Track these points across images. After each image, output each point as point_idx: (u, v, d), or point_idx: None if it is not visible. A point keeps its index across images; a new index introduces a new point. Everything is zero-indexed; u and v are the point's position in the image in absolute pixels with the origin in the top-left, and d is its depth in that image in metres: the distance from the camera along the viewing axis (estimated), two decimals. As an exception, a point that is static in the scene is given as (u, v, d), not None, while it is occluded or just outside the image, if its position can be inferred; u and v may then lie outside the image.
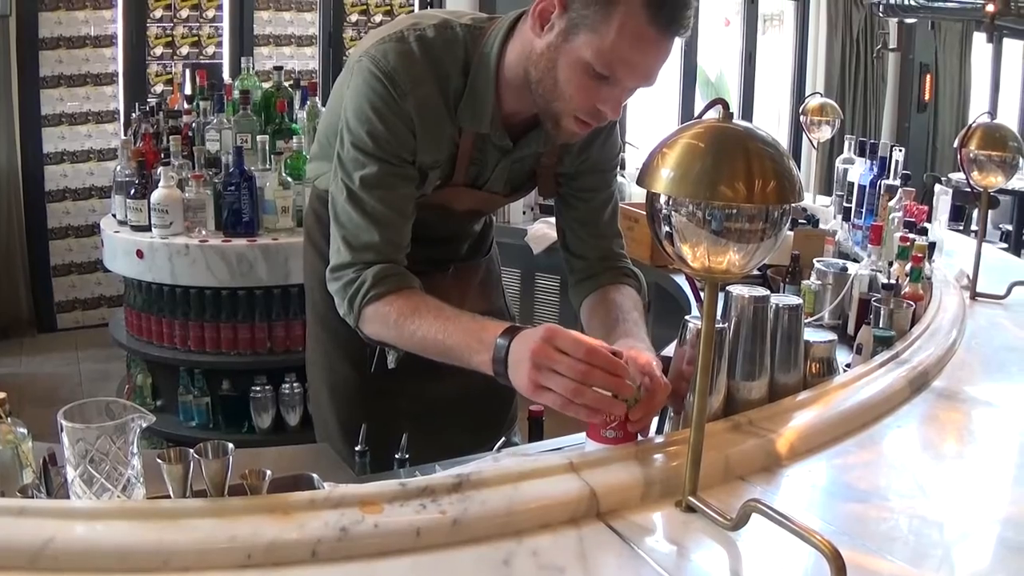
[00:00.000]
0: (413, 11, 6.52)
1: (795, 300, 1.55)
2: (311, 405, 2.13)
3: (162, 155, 3.46)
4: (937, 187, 3.19)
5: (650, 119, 7.20)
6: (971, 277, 2.42)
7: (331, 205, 1.64)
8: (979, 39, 8.74)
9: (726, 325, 1.44)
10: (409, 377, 1.82)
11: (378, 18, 6.41)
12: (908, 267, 2.15)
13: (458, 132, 1.64)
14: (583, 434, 1.39)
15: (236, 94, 3.64)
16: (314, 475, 1.43)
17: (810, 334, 1.61)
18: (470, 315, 1.52)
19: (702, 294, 1.19)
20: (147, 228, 3.40)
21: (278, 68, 3.91)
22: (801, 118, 3.97)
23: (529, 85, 1.54)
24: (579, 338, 1.31)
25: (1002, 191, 5.51)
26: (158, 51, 5.76)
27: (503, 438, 1.71)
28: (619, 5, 1.38)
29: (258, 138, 3.49)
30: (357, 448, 1.73)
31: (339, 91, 1.70)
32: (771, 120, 8.16)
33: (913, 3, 6.38)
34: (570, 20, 1.43)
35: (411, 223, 1.64)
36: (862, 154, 3.27)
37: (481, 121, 1.62)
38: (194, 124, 3.62)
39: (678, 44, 1.49)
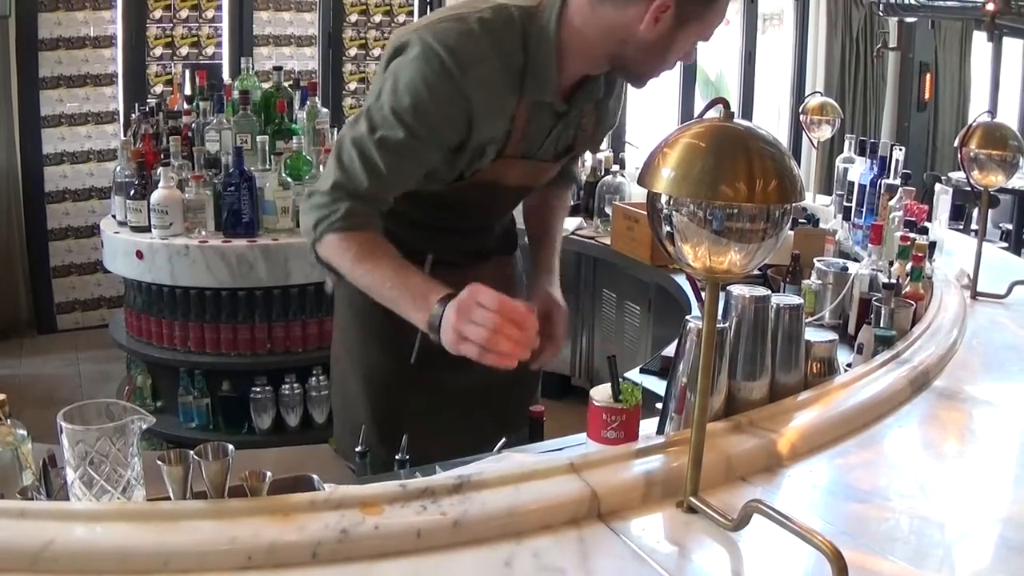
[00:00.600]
0: (412, 11, 6.52)
1: (796, 300, 1.55)
2: (333, 403, 2.18)
3: (162, 156, 3.46)
4: (937, 186, 3.19)
5: (650, 119, 7.19)
6: (972, 276, 2.42)
7: (337, 141, 1.71)
8: (979, 38, 8.72)
9: (727, 325, 1.44)
10: (440, 367, 1.83)
11: (377, 18, 6.40)
12: (909, 266, 2.15)
13: (516, 104, 1.71)
14: (583, 435, 1.39)
15: (236, 94, 3.64)
16: (314, 476, 1.43)
17: (811, 334, 1.61)
18: (422, 275, 1.62)
19: (703, 294, 1.19)
20: (147, 229, 3.40)
21: (278, 68, 3.91)
22: (801, 117, 3.97)
23: (604, 54, 1.69)
24: (495, 294, 1.45)
25: (1002, 190, 5.50)
26: (158, 52, 5.76)
27: (503, 438, 1.71)
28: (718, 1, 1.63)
29: (258, 138, 3.49)
30: (358, 449, 1.73)
31: (384, 75, 1.76)
32: (771, 119, 8.15)
33: (913, 2, 6.37)
34: (680, 15, 1.60)
35: (400, 193, 1.71)
36: (862, 153, 3.28)
37: (546, 91, 1.71)
38: (194, 124, 3.61)
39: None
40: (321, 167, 3.39)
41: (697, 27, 1.63)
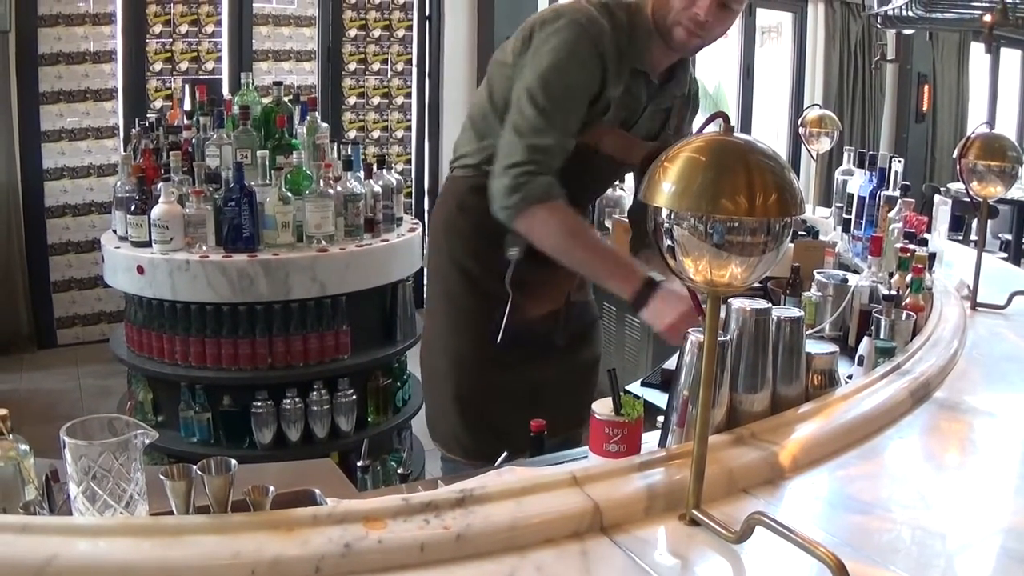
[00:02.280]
0: (411, 25, 6.55)
1: (796, 312, 1.56)
2: (426, 391, 2.33)
3: (162, 171, 3.46)
4: (936, 197, 3.20)
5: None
6: (971, 287, 2.42)
7: (513, 112, 1.92)
8: (977, 49, 8.77)
9: (728, 338, 1.44)
10: (522, 352, 2.12)
11: (376, 33, 6.42)
12: (908, 278, 2.16)
13: (627, 74, 1.97)
14: (586, 448, 1.39)
15: (236, 109, 3.64)
16: (316, 491, 1.43)
17: (811, 346, 1.61)
18: (623, 256, 2.00)
19: (704, 307, 1.19)
20: (147, 244, 3.40)
21: (277, 83, 3.91)
22: (800, 130, 3.98)
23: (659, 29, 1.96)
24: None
25: (1001, 201, 5.51)
26: (157, 67, 5.78)
27: (505, 452, 1.71)
28: None
29: (258, 153, 3.49)
30: (360, 463, 1.73)
31: (509, 61, 2.02)
32: (770, 132, 8.18)
33: (911, 14, 6.38)
34: None
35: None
36: (861, 165, 3.28)
37: (643, 61, 1.98)
38: (194, 140, 3.62)
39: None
40: (321, 182, 3.39)
41: None
